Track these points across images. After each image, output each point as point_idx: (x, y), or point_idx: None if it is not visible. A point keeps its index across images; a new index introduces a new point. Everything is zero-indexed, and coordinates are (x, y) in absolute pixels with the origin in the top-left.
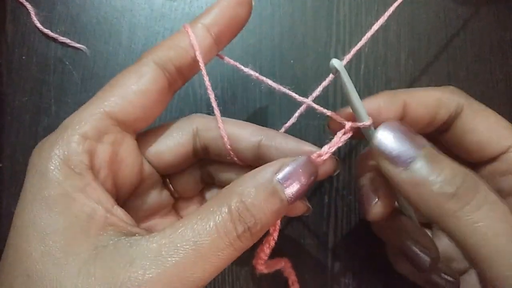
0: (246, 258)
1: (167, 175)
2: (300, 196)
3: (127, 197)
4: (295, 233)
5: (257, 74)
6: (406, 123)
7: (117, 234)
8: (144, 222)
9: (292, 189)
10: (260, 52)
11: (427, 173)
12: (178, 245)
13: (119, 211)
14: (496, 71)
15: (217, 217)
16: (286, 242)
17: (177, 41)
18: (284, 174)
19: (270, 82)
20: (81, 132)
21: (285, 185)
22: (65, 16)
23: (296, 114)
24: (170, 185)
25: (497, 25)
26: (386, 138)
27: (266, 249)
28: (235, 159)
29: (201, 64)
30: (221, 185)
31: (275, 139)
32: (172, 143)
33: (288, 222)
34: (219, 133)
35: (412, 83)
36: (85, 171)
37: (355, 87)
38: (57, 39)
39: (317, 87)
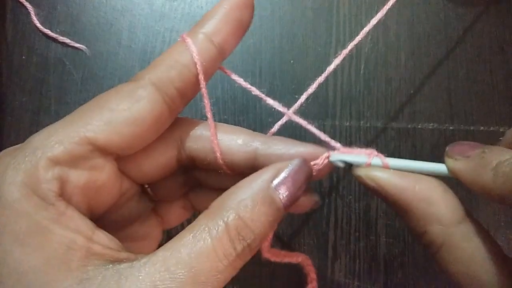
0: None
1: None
2: (296, 200)
3: (102, 214)
4: (295, 233)
5: (258, 92)
6: None
7: (102, 263)
8: (123, 231)
9: (289, 195)
10: (260, 52)
11: None
12: (174, 272)
13: (101, 236)
14: (496, 71)
15: (214, 237)
16: (286, 242)
17: (177, 56)
18: (279, 180)
19: (270, 101)
20: (51, 156)
21: (280, 192)
22: (65, 16)
23: (276, 127)
24: (149, 191)
25: (497, 25)
26: None
27: (267, 237)
28: (228, 171)
29: (202, 84)
30: (208, 186)
31: (272, 146)
32: (153, 156)
33: (288, 222)
34: (206, 145)
35: (412, 83)
36: (56, 200)
37: (355, 87)
38: (57, 39)
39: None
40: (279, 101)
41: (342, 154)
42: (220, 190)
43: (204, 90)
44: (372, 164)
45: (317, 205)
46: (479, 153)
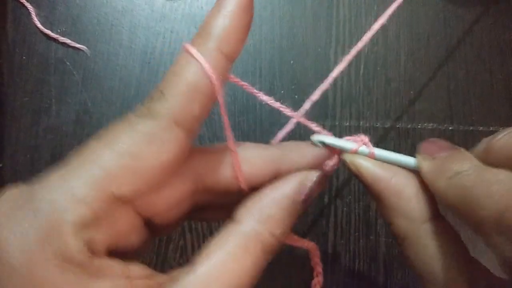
0: None
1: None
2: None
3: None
4: (295, 233)
5: (263, 96)
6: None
7: None
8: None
9: (307, 203)
10: (260, 52)
11: None
12: None
13: (136, 269)
14: (495, 71)
15: (253, 255)
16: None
17: (195, 83)
18: (304, 195)
19: (278, 105)
20: (79, 221)
21: (302, 201)
22: (65, 16)
23: (284, 132)
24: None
25: (497, 25)
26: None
27: None
28: (248, 192)
29: (223, 111)
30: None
31: (289, 157)
32: (168, 192)
33: None
34: (227, 173)
35: (412, 84)
36: (89, 261)
37: (355, 88)
38: (57, 40)
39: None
40: (279, 102)
41: (324, 136)
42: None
43: (226, 119)
44: (360, 151)
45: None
46: (443, 158)
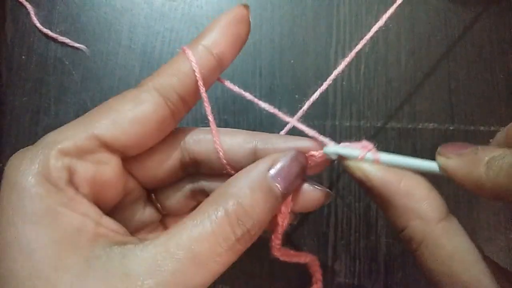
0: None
1: (153, 191)
2: (293, 189)
3: (109, 211)
4: (295, 233)
5: (256, 99)
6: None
7: (108, 244)
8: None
9: (285, 183)
10: (260, 52)
11: None
12: (174, 253)
13: (108, 221)
14: (496, 71)
15: (213, 221)
16: (286, 242)
17: (178, 66)
18: (276, 169)
19: (267, 106)
20: (61, 148)
21: (277, 180)
22: (65, 16)
23: (282, 133)
24: (155, 200)
25: (497, 25)
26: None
27: (278, 235)
28: (232, 172)
29: (202, 90)
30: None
31: (270, 141)
32: (158, 157)
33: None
34: (209, 146)
35: (412, 83)
36: (66, 186)
37: (356, 87)
38: (56, 39)
39: (316, 88)
40: (279, 101)
41: (336, 147)
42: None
43: (204, 95)
44: (366, 158)
45: (330, 198)
46: (472, 151)
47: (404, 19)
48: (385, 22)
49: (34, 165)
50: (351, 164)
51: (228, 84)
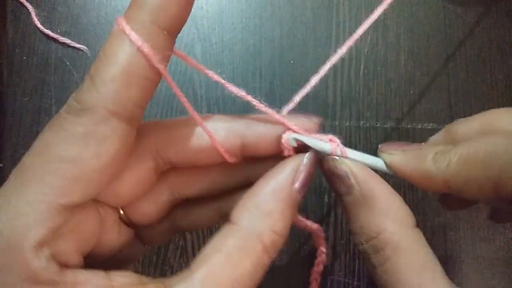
0: None
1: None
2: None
3: (86, 254)
4: (295, 233)
5: (220, 79)
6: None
7: None
8: (109, 260)
9: (304, 189)
10: (260, 52)
11: None
12: None
13: (118, 279)
14: (495, 71)
15: (252, 256)
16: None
17: (129, 64)
18: (300, 181)
19: (233, 89)
20: (35, 243)
21: (300, 190)
22: (65, 16)
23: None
24: (126, 218)
25: (497, 26)
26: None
27: None
28: (229, 158)
29: (175, 89)
30: (192, 195)
31: (257, 132)
32: (128, 176)
33: None
34: (189, 143)
35: (412, 84)
36: (60, 277)
37: (355, 88)
38: (57, 40)
39: (317, 88)
40: (280, 101)
41: (304, 137)
42: (204, 201)
43: (178, 91)
44: (335, 153)
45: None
46: (416, 147)
47: (404, 19)
48: (385, 22)
49: (14, 275)
50: (335, 158)
51: (188, 58)
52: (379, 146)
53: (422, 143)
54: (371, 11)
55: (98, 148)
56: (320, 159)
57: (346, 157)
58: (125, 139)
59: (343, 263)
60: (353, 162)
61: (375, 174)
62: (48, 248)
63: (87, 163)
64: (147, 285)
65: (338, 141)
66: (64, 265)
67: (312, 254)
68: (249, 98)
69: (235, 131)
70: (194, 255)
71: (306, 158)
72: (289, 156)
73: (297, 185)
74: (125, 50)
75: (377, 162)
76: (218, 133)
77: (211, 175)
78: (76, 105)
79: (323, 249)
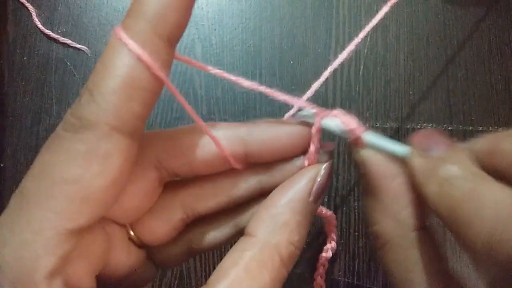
0: None
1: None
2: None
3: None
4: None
5: (221, 71)
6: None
7: None
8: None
9: (320, 200)
10: (260, 53)
11: None
12: None
13: None
14: (495, 71)
15: (271, 271)
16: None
17: (129, 75)
18: (317, 191)
19: (231, 77)
20: (47, 274)
21: (316, 201)
22: (66, 17)
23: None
24: (136, 239)
25: (496, 26)
26: None
27: None
28: (237, 165)
29: (179, 98)
30: (209, 211)
31: (261, 140)
32: (131, 189)
33: None
34: (192, 153)
35: (411, 84)
36: None
37: (355, 88)
38: (58, 40)
39: (316, 88)
40: (279, 101)
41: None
42: (219, 218)
43: (185, 103)
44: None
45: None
46: (435, 159)
47: (403, 20)
48: (384, 23)
49: None
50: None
51: (193, 61)
52: (412, 136)
53: (451, 150)
54: (371, 11)
55: (102, 166)
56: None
57: (365, 146)
58: (128, 154)
59: (343, 263)
60: (371, 154)
61: (393, 171)
62: (60, 276)
63: (91, 182)
64: None
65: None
66: None
67: (312, 254)
68: (271, 91)
69: (238, 137)
70: (201, 260)
71: (323, 169)
72: (307, 165)
73: (313, 196)
74: (124, 61)
75: (401, 149)
76: (221, 140)
77: (221, 187)
78: (75, 121)
79: (334, 236)
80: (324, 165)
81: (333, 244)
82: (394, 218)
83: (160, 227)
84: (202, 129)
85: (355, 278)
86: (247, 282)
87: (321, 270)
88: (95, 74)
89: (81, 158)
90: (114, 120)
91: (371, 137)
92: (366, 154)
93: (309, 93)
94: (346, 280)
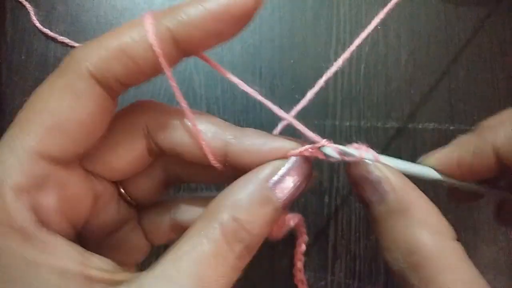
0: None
1: (120, 181)
2: (294, 200)
3: (83, 223)
4: (294, 233)
5: (238, 80)
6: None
7: (102, 287)
8: (108, 240)
9: (286, 194)
10: (260, 52)
11: None
12: (178, 284)
13: (93, 260)
14: (496, 71)
15: (211, 241)
16: (285, 241)
17: (125, 44)
18: (277, 179)
19: (248, 89)
20: (15, 185)
21: (278, 191)
22: (64, 15)
23: (278, 128)
24: (126, 195)
25: (498, 25)
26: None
27: (299, 257)
28: (217, 164)
29: (172, 82)
30: (189, 180)
31: (245, 140)
32: (120, 150)
33: None
34: (176, 134)
35: (412, 83)
36: (36, 230)
37: (356, 87)
38: (56, 39)
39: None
40: (279, 101)
41: (336, 146)
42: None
43: (177, 90)
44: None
45: (315, 179)
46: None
47: (404, 19)
48: (385, 22)
49: None
50: (370, 162)
51: (216, 64)
52: (421, 158)
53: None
54: (372, 9)
55: (74, 102)
56: (349, 164)
57: (379, 162)
58: (101, 102)
59: (343, 263)
60: (387, 167)
61: (410, 181)
62: (28, 197)
63: (63, 114)
64: (118, 273)
65: (367, 149)
66: (45, 225)
67: (312, 254)
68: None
69: (222, 137)
70: None
71: (288, 160)
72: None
73: (272, 182)
74: (131, 33)
75: (412, 167)
76: (205, 133)
77: (204, 174)
78: (67, 57)
79: (303, 229)
80: (292, 159)
81: (304, 237)
82: (437, 231)
83: (145, 183)
84: (187, 117)
85: (356, 279)
86: (187, 249)
87: (299, 265)
88: (112, 31)
89: (58, 91)
90: (94, 67)
91: (387, 160)
92: (383, 170)
93: (303, 102)
94: (347, 281)
